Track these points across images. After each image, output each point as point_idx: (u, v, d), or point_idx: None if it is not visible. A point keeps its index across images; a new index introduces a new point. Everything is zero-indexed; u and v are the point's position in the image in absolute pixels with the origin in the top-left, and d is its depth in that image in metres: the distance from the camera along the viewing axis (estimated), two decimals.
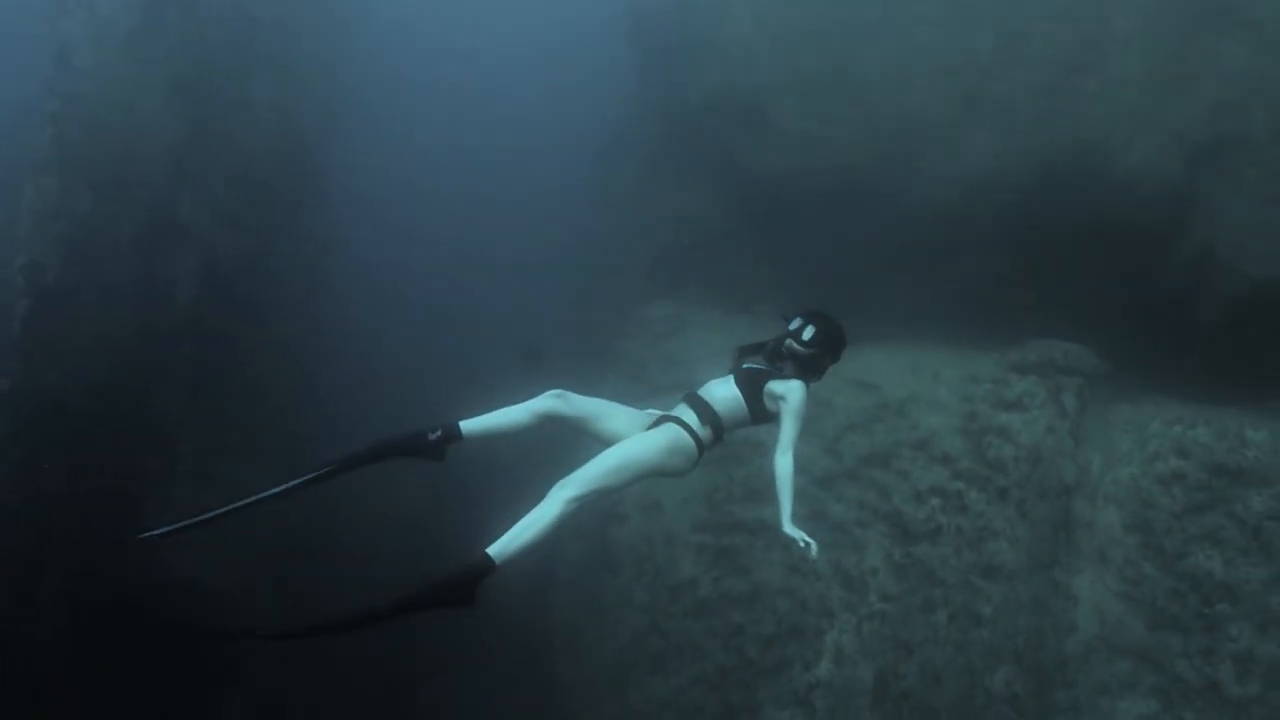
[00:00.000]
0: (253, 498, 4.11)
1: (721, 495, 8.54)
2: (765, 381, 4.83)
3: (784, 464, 4.56)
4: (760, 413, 4.79)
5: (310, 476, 4.12)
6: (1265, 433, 7.09)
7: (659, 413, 4.78)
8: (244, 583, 9.26)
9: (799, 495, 4.60)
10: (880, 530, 7.62)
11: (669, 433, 4.55)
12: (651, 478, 4.55)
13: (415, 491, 9.90)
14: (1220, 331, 7.89)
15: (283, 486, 4.10)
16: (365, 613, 3.67)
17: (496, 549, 3.85)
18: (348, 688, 9.85)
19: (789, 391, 4.72)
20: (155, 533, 4.21)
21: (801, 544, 4.39)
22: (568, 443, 5.25)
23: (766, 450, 8.64)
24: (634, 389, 9.68)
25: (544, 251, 11.40)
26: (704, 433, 4.63)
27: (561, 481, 4.12)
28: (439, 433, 4.28)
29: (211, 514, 4.11)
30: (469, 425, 4.35)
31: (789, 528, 4.45)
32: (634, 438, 4.49)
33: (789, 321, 5.01)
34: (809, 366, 4.90)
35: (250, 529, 9.17)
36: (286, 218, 10.33)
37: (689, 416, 4.68)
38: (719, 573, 8.31)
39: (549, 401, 4.47)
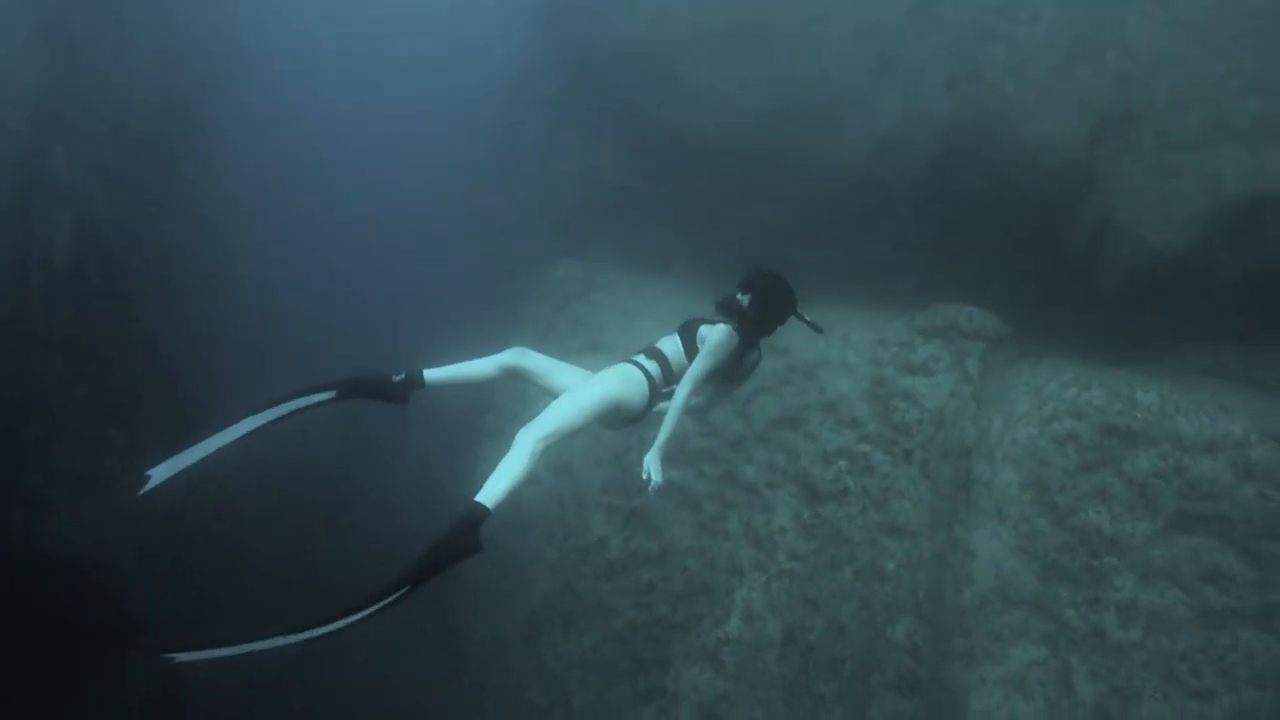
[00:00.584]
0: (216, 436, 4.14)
1: (633, 457, 8.39)
2: (699, 327, 5.10)
3: (676, 395, 4.81)
4: (694, 356, 5.01)
5: (272, 410, 4.19)
6: (1154, 395, 7.31)
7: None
8: (139, 554, 8.79)
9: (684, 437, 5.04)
10: (789, 491, 7.63)
11: (619, 369, 4.85)
12: (609, 416, 4.71)
13: (315, 456, 9.52)
14: (1118, 297, 8.08)
15: (253, 419, 4.15)
16: (386, 590, 3.67)
17: (484, 495, 3.99)
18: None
19: (710, 332, 5.00)
20: None
21: (645, 476, 4.62)
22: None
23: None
24: (542, 349, 9.41)
25: (447, 210, 10.85)
26: (651, 367, 4.94)
27: (525, 427, 4.29)
28: (403, 376, 4.40)
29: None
30: (432, 374, 4.50)
31: (649, 456, 4.70)
32: (588, 379, 4.76)
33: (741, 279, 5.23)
34: (748, 320, 5.10)
35: (142, 499, 8.70)
36: (174, 175, 9.59)
37: (638, 357, 5.02)
38: (629, 533, 8.23)
39: (512, 356, 4.75)
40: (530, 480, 4.22)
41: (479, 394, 4.21)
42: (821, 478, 7.47)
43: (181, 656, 3.91)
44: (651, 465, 4.69)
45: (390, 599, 3.69)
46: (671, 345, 5.15)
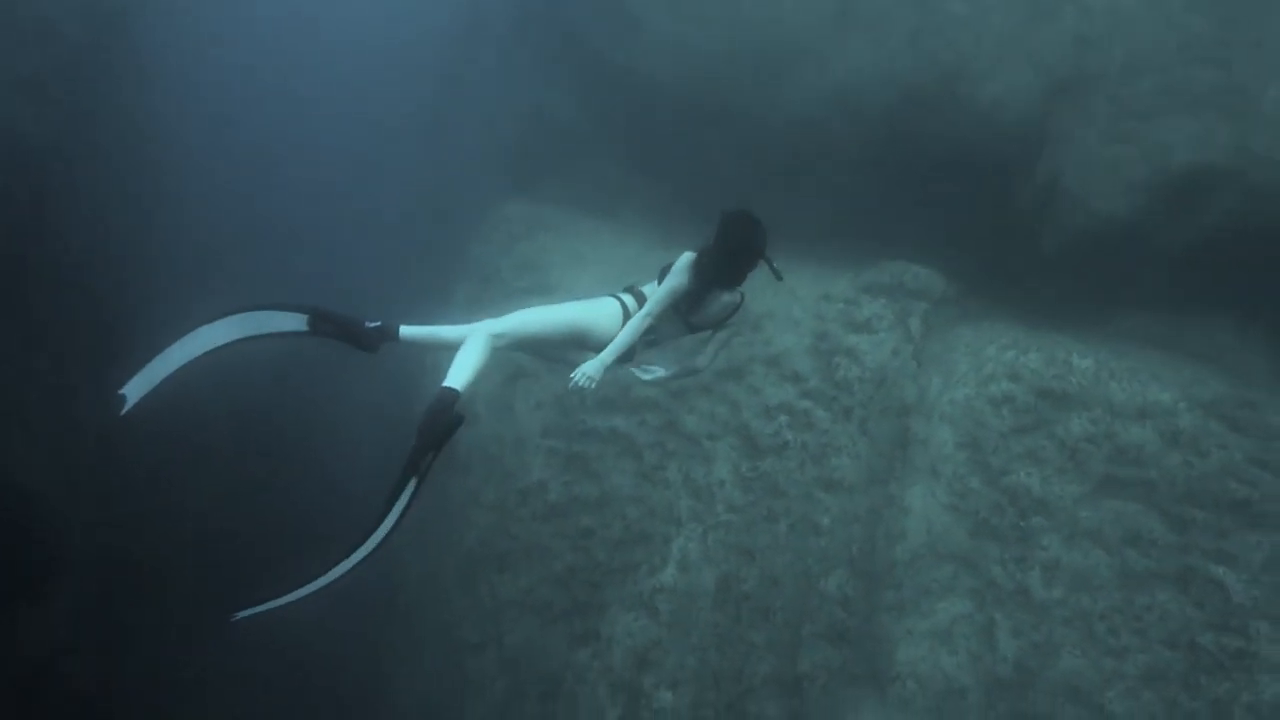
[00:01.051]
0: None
1: (574, 402, 8.27)
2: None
3: (631, 320, 4.72)
4: None
5: (242, 322, 4.14)
6: (1090, 360, 7.34)
7: None
8: (67, 484, 8.44)
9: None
10: (730, 444, 7.56)
11: (596, 298, 4.82)
12: (576, 337, 4.66)
13: (252, 399, 9.17)
14: (1060, 260, 8.04)
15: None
16: (397, 489, 4.01)
17: (450, 381, 4.21)
18: (181, 582, 9.27)
19: (672, 268, 4.88)
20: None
21: (582, 378, 4.50)
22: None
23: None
24: (486, 293, 9.20)
25: (390, 146, 10.35)
26: (629, 300, 4.88)
27: (489, 320, 4.49)
28: (378, 324, 4.33)
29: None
30: (408, 331, 4.45)
31: (589, 363, 4.56)
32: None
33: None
34: (711, 252, 4.90)
35: (72, 428, 8.30)
36: (102, 93, 8.97)
37: (619, 292, 4.95)
38: (569, 478, 8.12)
39: (489, 339, 4.48)
40: (489, 370, 4.38)
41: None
42: (762, 431, 7.41)
43: (243, 613, 4.28)
44: (587, 368, 4.56)
45: (405, 497, 4.05)
46: (652, 288, 5.02)
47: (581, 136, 9.49)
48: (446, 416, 4.10)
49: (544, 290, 8.84)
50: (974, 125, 7.90)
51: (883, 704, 7.01)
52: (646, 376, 5.04)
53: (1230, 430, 7.14)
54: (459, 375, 4.23)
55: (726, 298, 5.09)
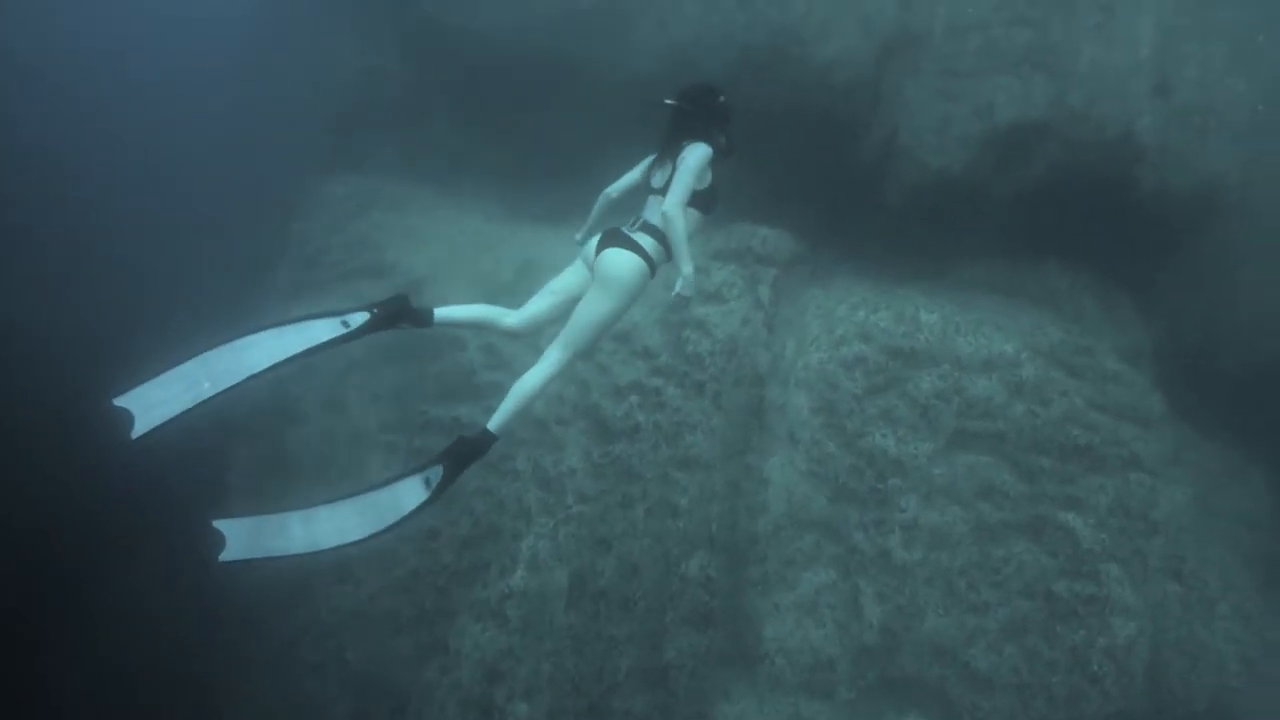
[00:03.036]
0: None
1: (413, 393, 7.23)
2: (677, 155, 4.21)
3: (677, 216, 4.03)
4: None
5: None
6: (937, 315, 6.94)
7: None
8: None
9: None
10: (580, 428, 6.70)
11: (611, 271, 4.14)
12: (623, 314, 4.26)
13: None
14: (902, 214, 7.67)
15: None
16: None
17: (495, 424, 4.08)
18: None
19: (688, 152, 4.17)
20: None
21: (679, 292, 4.02)
22: None
23: (464, 344, 7.43)
24: (313, 276, 7.97)
25: (201, 115, 8.88)
26: (646, 243, 4.19)
27: (554, 349, 4.19)
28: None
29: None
30: (442, 311, 4.22)
31: (680, 284, 4.02)
32: (586, 299, 4.20)
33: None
34: (698, 126, 4.29)
35: None
36: None
37: (634, 233, 4.21)
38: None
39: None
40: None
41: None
42: (612, 414, 6.59)
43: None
44: (683, 290, 4.02)
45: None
46: (654, 206, 4.26)
47: (415, 103, 8.40)
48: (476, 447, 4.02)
49: (378, 273, 7.75)
50: (812, 85, 7.40)
51: (753, 685, 6.35)
52: (690, 292, 4.16)
53: (1069, 376, 6.90)
54: (507, 414, 4.09)
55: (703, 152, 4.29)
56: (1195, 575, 6.71)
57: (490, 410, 7.23)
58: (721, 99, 4.35)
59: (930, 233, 7.43)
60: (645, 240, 4.14)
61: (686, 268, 3.97)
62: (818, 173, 7.47)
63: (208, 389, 3.64)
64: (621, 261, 4.09)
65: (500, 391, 7.07)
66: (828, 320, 7.00)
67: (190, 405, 3.56)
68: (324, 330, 3.87)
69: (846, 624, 6.36)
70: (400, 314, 4.08)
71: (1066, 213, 7.18)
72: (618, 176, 4.72)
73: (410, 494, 3.99)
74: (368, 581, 7.06)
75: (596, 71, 7.74)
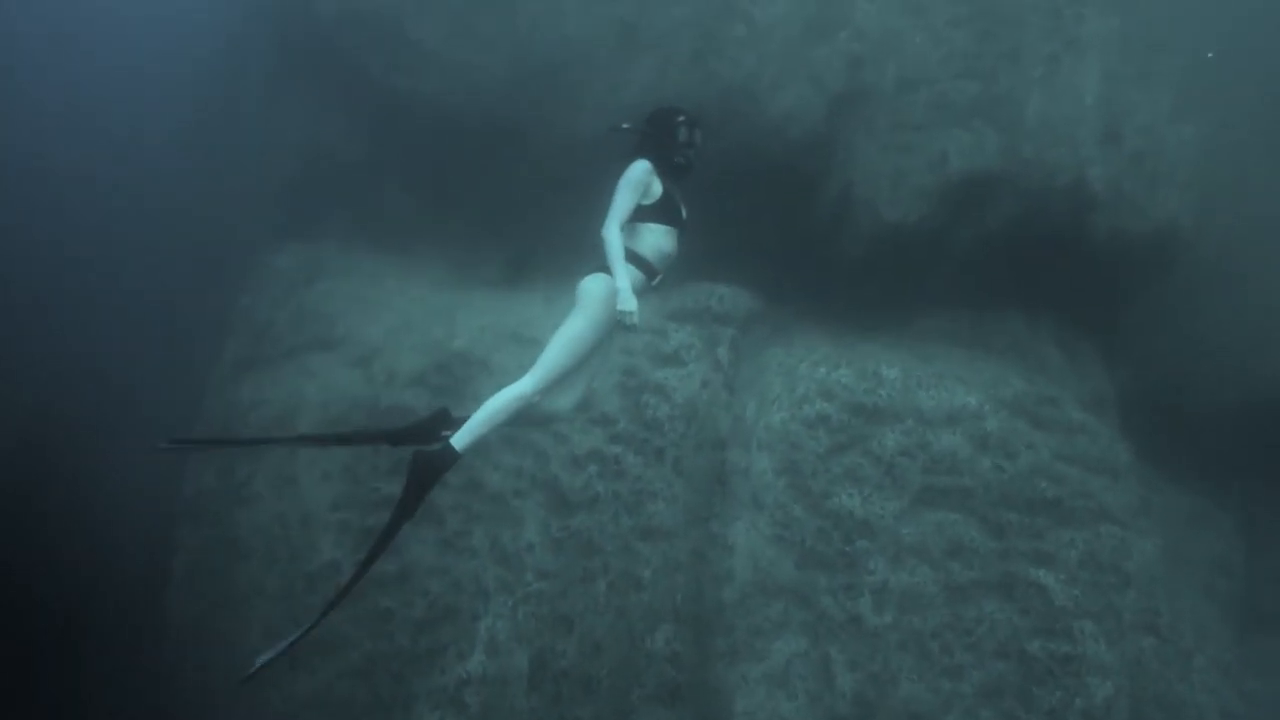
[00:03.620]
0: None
1: (365, 468, 6.87)
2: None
3: (610, 235, 3.94)
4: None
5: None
6: (898, 369, 6.74)
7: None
8: None
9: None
10: (538, 500, 6.39)
11: (585, 300, 4.03)
12: (601, 339, 4.07)
13: None
14: (861, 266, 7.50)
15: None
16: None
17: (460, 441, 3.90)
18: None
19: (627, 169, 4.11)
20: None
21: (628, 321, 3.84)
22: None
23: (415, 416, 7.11)
24: (260, 351, 7.64)
25: (145, 185, 8.49)
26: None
27: (522, 384, 3.97)
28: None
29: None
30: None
31: (626, 296, 3.84)
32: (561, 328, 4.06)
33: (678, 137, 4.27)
34: (649, 146, 4.22)
35: None
36: None
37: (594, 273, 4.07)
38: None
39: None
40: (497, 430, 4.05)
41: None
42: (571, 485, 6.29)
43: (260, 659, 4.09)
44: (623, 316, 3.83)
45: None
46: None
47: (365, 168, 8.13)
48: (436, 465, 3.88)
49: (327, 346, 7.43)
50: (766, 140, 7.21)
51: None
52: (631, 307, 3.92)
53: (1034, 428, 6.70)
54: (470, 435, 3.89)
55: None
56: (1170, 628, 6.48)
57: (444, 484, 6.90)
58: (680, 119, 4.26)
59: (890, 284, 7.27)
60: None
61: (621, 283, 3.84)
62: (775, 227, 7.30)
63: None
64: (590, 282, 4.04)
65: (458, 466, 6.82)
66: (789, 379, 6.77)
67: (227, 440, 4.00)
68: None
69: (819, 694, 6.05)
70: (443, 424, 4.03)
71: (1025, 261, 7.05)
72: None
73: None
74: (321, 668, 6.65)
75: (549, 133, 7.55)
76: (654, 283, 4.11)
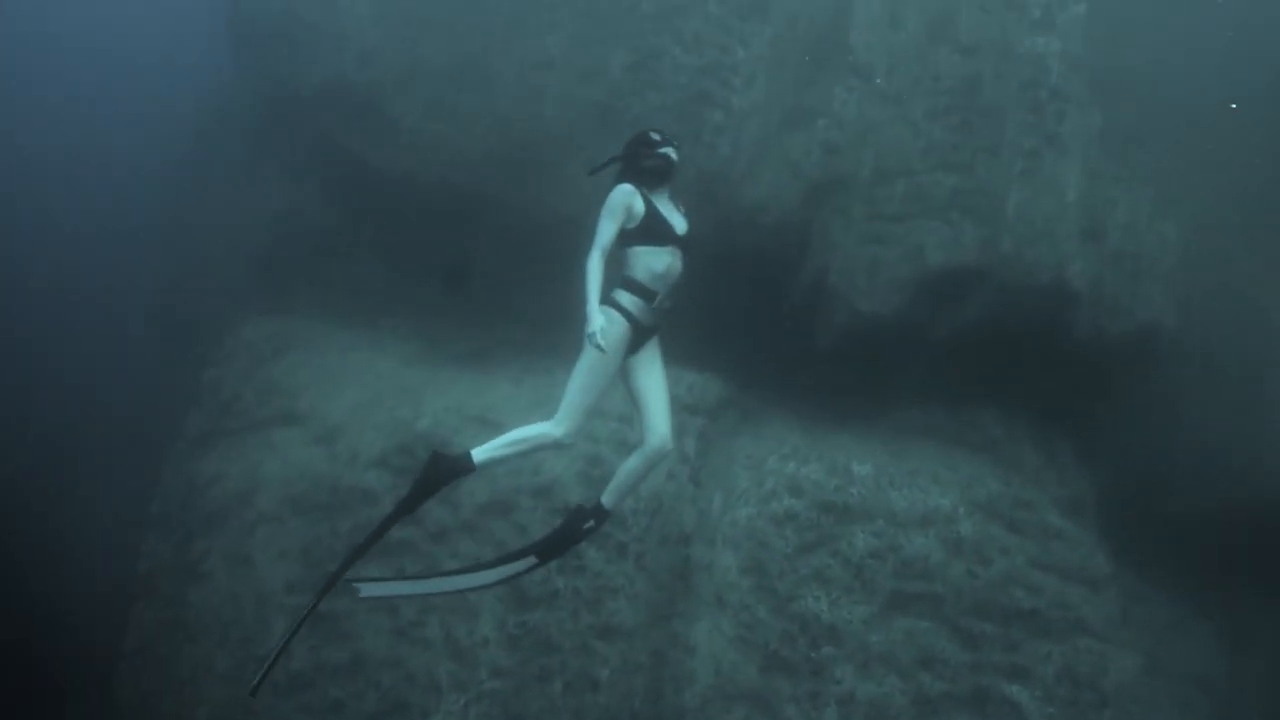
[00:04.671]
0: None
1: (321, 551, 6.49)
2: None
3: (589, 262, 3.80)
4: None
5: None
6: (870, 466, 6.37)
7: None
8: None
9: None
10: (495, 594, 5.98)
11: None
12: (610, 369, 3.94)
13: None
14: (833, 356, 7.12)
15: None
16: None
17: (608, 499, 4.12)
18: None
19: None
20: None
21: (595, 333, 3.68)
22: None
23: (377, 499, 6.76)
24: (225, 424, 7.30)
25: (117, 260, 8.17)
26: (626, 300, 3.90)
27: (663, 438, 3.98)
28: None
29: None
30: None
31: (592, 315, 3.73)
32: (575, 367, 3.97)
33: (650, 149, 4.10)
34: (627, 171, 4.06)
35: None
36: None
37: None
38: (316, 641, 6.27)
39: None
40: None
41: None
42: (530, 578, 5.89)
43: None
44: (590, 324, 3.69)
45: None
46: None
47: (337, 241, 7.91)
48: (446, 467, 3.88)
49: (289, 420, 7.10)
50: (740, 225, 6.94)
51: None
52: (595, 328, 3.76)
53: (1010, 532, 6.28)
54: (616, 491, 4.11)
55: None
56: None
57: (401, 571, 6.50)
58: (651, 134, 4.13)
59: (863, 375, 6.92)
60: (618, 295, 3.91)
61: (590, 307, 3.72)
62: (747, 313, 6.99)
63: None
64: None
65: (412, 549, 6.45)
66: (757, 472, 6.40)
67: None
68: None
69: None
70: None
71: (1002, 357, 6.69)
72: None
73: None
74: None
75: (522, 210, 7.30)
76: (655, 305, 3.92)
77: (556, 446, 4.01)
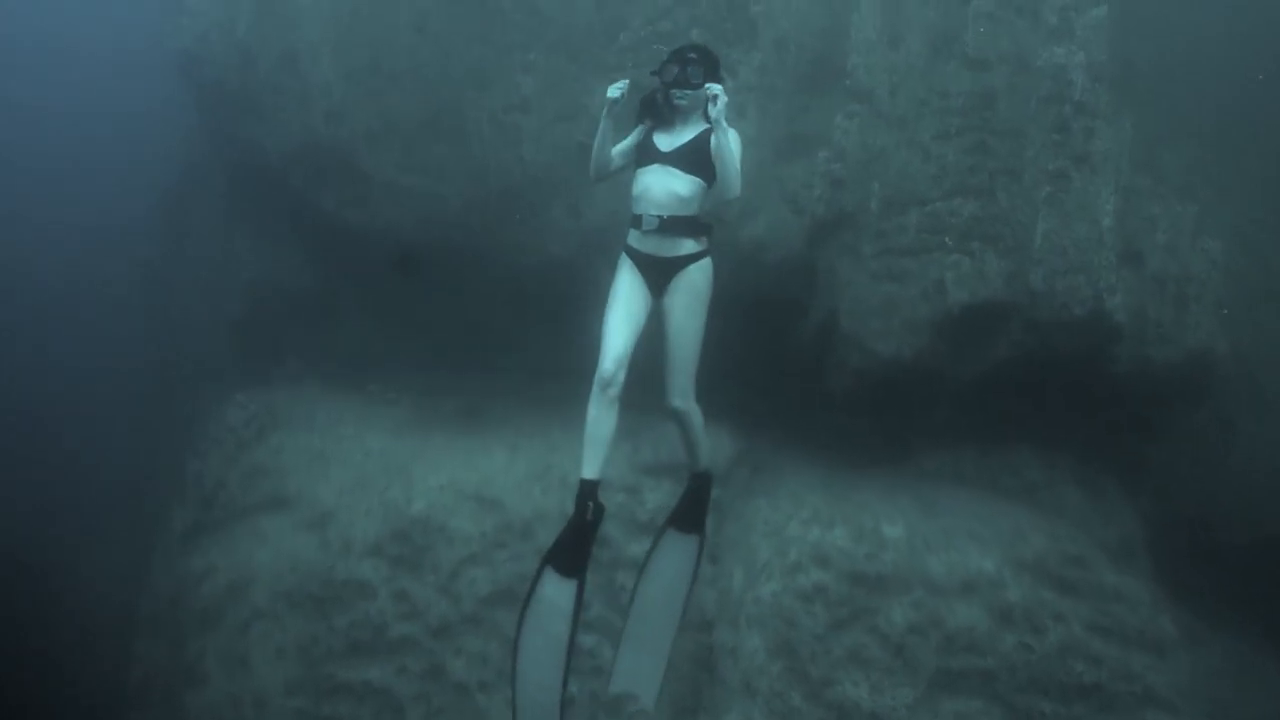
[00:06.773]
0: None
1: (320, 650, 5.67)
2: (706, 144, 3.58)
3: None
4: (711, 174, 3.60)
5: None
6: (901, 527, 5.47)
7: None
8: None
9: None
10: (505, 697, 5.16)
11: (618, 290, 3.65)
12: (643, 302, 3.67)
13: None
14: (849, 401, 6.21)
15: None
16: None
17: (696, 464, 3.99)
18: None
19: (729, 137, 3.52)
20: None
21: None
22: None
23: (374, 592, 5.95)
24: (210, 516, 6.47)
25: (94, 339, 7.35)
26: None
27: (670, 396, 3.77)
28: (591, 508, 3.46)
29: None
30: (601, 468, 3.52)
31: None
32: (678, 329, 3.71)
33: (661, 74, 3.66)
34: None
35: None
36: None
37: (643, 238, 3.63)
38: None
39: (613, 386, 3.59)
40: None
41: None
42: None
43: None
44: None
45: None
46: (670, 186, 3.59)
47: (318, 305, 7.08)
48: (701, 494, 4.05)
49: (278, 505, 6.28)
50: (741, 265, 6.01)
51: None
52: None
53: (1063, 595, 5.35)
54: (698, 456, 3.97)
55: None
56: None
57: (403, 670, 5.74)
58: (665, 61, 3.73)
59: (883, 420, 6.03)
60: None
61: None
62: (754, 359, 6.08)
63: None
64: (693, 272, 3.69)
65: (412, 644, 5.66)
66: (778, 541, 5.52)
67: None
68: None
69: None
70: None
71: (1038, 396, 5.79)
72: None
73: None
74: None
75: (507, 257, 6.44)
76: (643, 229, 3.61)
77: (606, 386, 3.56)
